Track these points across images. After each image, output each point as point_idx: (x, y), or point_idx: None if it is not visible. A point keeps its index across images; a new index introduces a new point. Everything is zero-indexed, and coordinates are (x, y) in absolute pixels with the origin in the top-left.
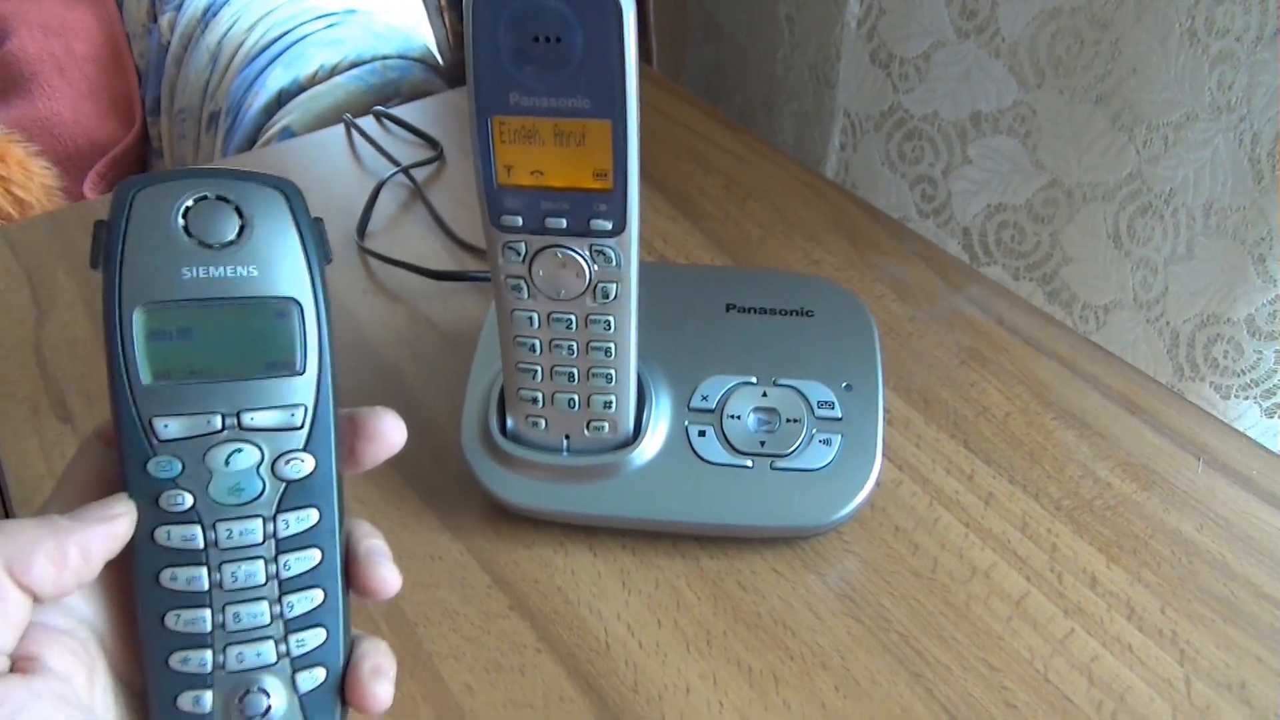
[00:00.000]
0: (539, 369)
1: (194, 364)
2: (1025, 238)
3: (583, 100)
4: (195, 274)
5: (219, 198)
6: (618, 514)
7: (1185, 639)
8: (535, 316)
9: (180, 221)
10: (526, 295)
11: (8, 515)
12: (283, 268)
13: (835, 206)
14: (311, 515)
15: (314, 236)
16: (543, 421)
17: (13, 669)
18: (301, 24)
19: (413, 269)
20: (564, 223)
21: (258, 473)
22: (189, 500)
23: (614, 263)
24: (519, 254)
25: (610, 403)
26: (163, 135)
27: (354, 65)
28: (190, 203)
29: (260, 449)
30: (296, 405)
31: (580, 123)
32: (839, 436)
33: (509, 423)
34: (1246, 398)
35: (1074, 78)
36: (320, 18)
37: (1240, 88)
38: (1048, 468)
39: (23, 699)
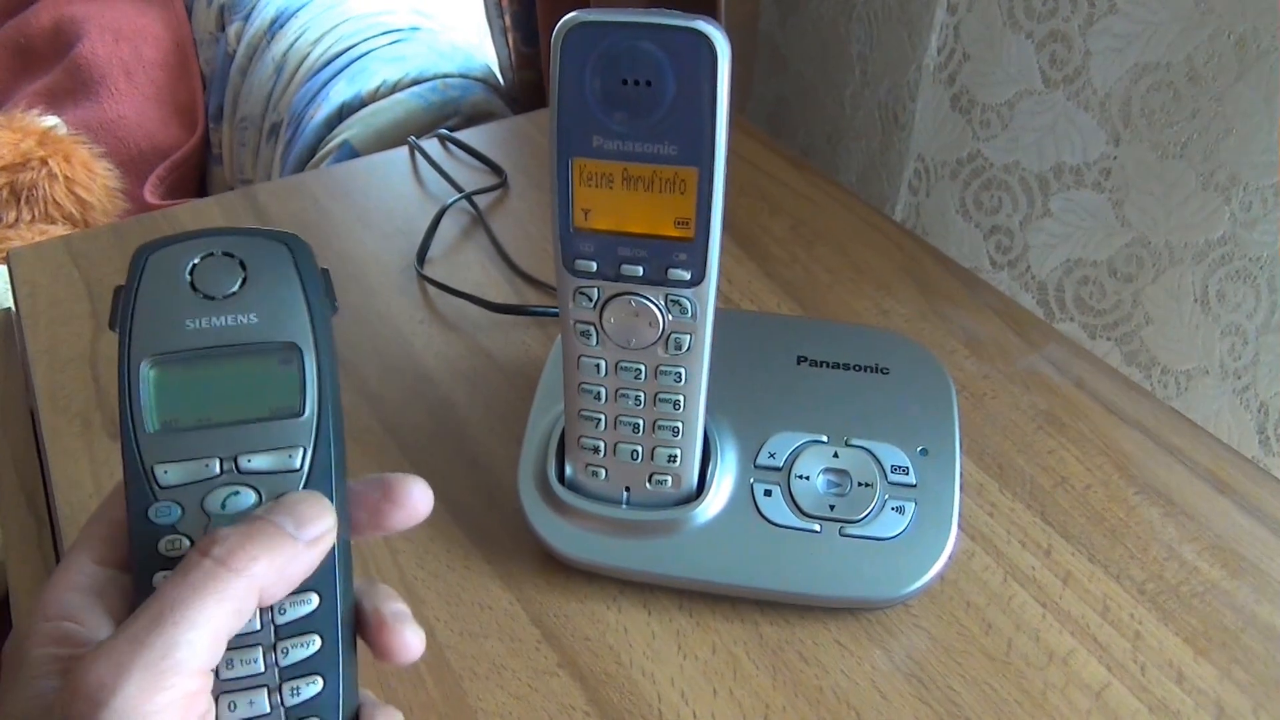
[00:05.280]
0: (603, 418)
1: (196, 411)
2: (1105, 295)
3: (669, 147)
4: (198, 324)
5: (224, 253)
6: (676, 574)
7: None
8: (603, 364)
9: (187, 278)
10: (595, 342)
11: (53, 533)
12: (283, 315)
13: (906, 253)
14: None
15: (317, 286)
16: (603, 471)
17: None
18: (366, 39)
19: (473, 300)
20: (640, 270)
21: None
22: (188, 545)
23: (689, 313)
24: (590, 300)
25: (675, 456)
26: (224, 143)
27: (416, 82)
28: (197, 260)
29: (257, 491)
30: (295, 447)
31: (665, 169)
32: (913, 504)
33: (568, 470)
34: None
35: (1167, 133)
36: (385, 34)
37: None
38: (1130, 547)
39: None
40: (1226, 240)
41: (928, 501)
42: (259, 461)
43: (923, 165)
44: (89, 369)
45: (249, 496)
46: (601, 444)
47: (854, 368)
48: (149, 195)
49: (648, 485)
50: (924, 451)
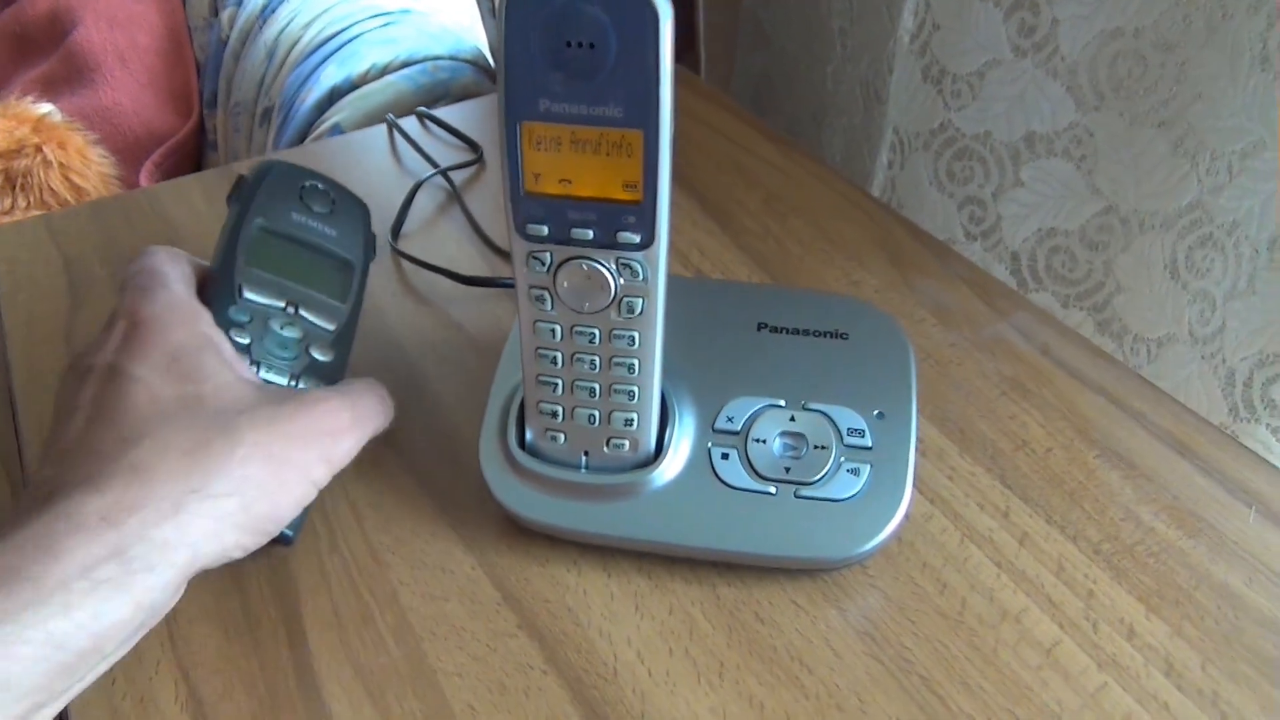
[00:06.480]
0: (560, 382)
1: (279, 266)
2: (1077, 265)
3: (615, 109)
4: (300, 220)
5: (324, 188)
6: (633, 536)
7: (1227, 700)
8: (558, 329)
9: (299, 191)
10: (550, 306)
11: None
12: (348, 242)
13: (879, 226)
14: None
15: (370, 238)
16: (561, 436)
17: None
18: (357, 22)
19: (443, 272)
20: (590, 234)
21: (297, 344)
22: (247, 341)
23: (640, 277)
24: (543, 264)
25: (631, 420)
26: (218, 128)
27: (405, 65)
28: (306, 184)
29: (305, 330)
30: (333, 320)
31: (611, 132)
32: (868, 466)
33: (528, 435)
34: None
35: (1135, 101)
36: (375, 16)
37: None
38: (1088, 508)
39: None
40: (1195, 207)
41: (883, 464)
42: (309, 316)
43: (898, 138)
44: (64, 344)
45: (295, 331)
46: (559, 408)
47: (814, 333)
48: (145, 181)
49: (606, 449)
50: (880, 415)
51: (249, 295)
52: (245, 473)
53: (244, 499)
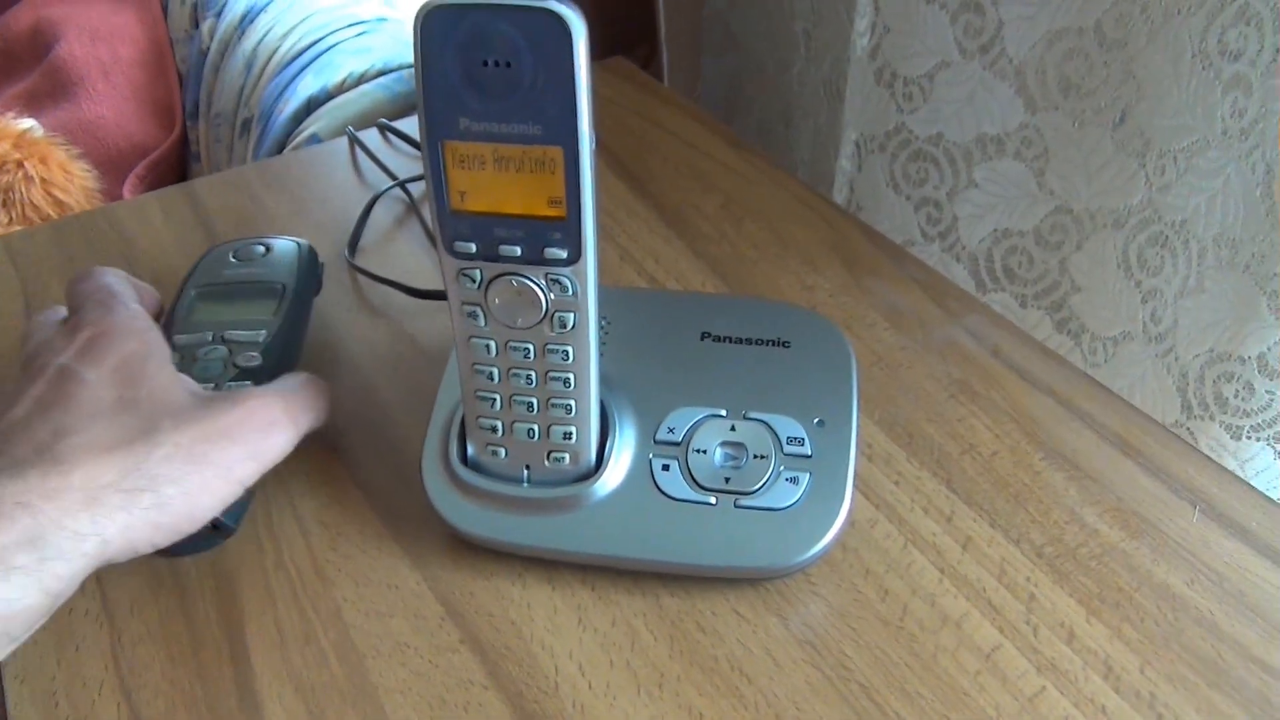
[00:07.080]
0: (497, 397)
1: (207, 314)
2: (1033, 265)
3: (534, 126)
4: (230, 272)
5: (258, 243)
6: (574, 549)
7: (1164, 702)
8: (492, 344)
9: (232, 253)
10: (483, 322)
11: None
12: (281, 272)
13: (835, 229)
14: (247, 385)
15: (307, 268)
16: (502, 451)
17: None
18: (333, 31)
19: (395, 285)
20: (518, 250)
21: (222, 361)
22: (178, 360)
23: (570, 292)
24: (474, 281)
25: (570, 433)
26: (200, 140)
27: (382, 73)
28: (240, 247)
29: (231, 348)
30: (261, 327)
31: (533, 149)
32: (807, 475)
33: (470, 451)
34: (1258, 439)
35: (1083, 100)
36: (352, 25)
37: (1253, 115)
38: (1032, 511)
39: None
40: (1144, 205)
41: (823, 472)
42: (234, 335)
43: (856, 140)
44: (18, 366)
45: (221, 351)
46: (499, 423)
47: (756, 342)
48: (128, 194)
49: (546, 463)
50: (821, 423)
51: (178, 341)
52: (161, 471)
53: (159, 496)
